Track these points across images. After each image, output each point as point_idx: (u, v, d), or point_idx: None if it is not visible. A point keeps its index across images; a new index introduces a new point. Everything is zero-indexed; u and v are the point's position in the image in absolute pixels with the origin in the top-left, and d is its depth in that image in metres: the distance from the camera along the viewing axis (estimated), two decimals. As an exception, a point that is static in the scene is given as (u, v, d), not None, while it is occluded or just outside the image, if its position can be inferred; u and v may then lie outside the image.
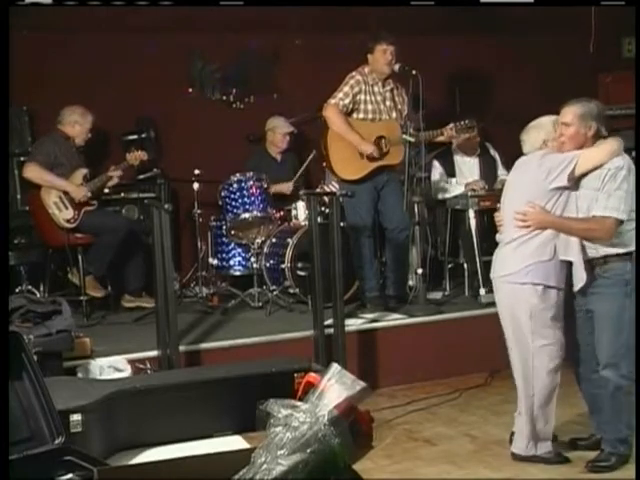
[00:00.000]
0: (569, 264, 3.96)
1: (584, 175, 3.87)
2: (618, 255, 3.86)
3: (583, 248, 3.91)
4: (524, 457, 4.14)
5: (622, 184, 3.79)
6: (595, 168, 3.85)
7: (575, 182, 3.90)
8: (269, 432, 1.93)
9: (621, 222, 3.79)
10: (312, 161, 6.65)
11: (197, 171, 6.34)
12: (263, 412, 2.10)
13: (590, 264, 3.92)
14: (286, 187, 6.67)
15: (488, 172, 6.57)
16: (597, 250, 3.88)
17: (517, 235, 4.03)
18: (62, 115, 5.97)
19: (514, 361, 4.16)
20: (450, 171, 6.59)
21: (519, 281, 4.01)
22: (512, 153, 7.30)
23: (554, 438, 4.22)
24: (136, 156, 6.02)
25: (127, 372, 4.59)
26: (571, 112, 3.91)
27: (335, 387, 2.06)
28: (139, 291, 6.10)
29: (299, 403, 2.03)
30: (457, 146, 6.56)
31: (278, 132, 6.84)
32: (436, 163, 6.61)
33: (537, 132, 4.12)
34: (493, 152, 6.74)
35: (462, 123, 6.04)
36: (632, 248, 3.86)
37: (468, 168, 6.60)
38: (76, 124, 5.97)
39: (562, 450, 4.17)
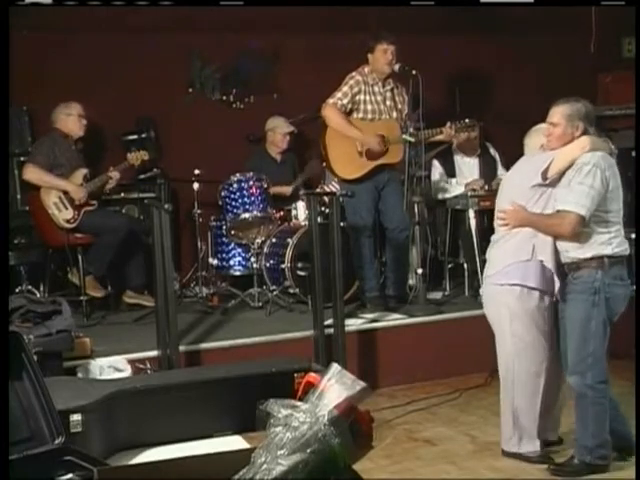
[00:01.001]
0: None
1: (563, 173, 3.87)
2: (588, 260, 3.82)
3: (556, 250, 3.92)
4: (508, 453, 4.16)
5: (586, 179, 3.75)
6: (570, 166, 3.84)
7: (556, 180, 3.90)
8: (269, 432, 1.93)
9: (583, 219, 3.74)
10: (316, 167, 6.64)
11: (197, 171, 6.34)
12: (263, 412, 2.10)
13: (564, 269, 3.92)
14: (286, 190, 6.68)
15: (488, 172, 6.57)
16: (568, 253, 3.87)
17: (501, 234, 4.07)
18: (52, 116, 5.99)
19: (498, 361, 4.18)
20: (450, 171, 6.59)
21: (498, 282, 4.05)
22: (512, 153, 7.32)
23: (560, 441, 4.21)
24: (137, 156, 6.03)
25: (127, 372, 4.59)
26: (558, 112, 3.92)
27: (335, 387, 2.06)
28: (141, 288, 6.10)
29: (299, 403, 2.03)
30: (457, 146, 6.56)
31: (278, 132, 6.83)
32: (436, 163, 6.61)
33: (537, 137, 4.15)
34: (493, 152, 6.74)
35: (461, 122, 6.05)
36: (603, 252, 3.81)
37: (468, 168, 6.60)
38: (64, 116, 5.96)
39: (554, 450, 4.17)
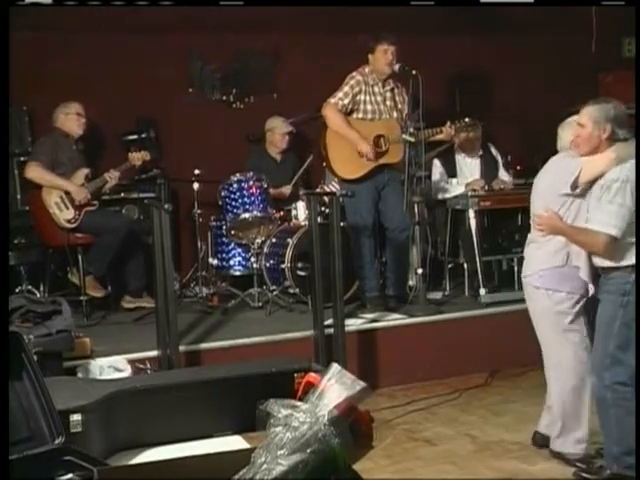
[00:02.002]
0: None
1: (593, 183, 3.82)
2: (622, 267, 3.77)
3: (590, 256, 3.90)
4: (554, 453, 4.13)
5: (615, 197, 3.69)
6: (599, 177, 3.78)
7: (586, 189, 3.86)
8: (269, 432, 1.93)
9: (615, 238, 3.68)
10: (312, 162, 6.67)
11: (197, 171, 6.34)
12: (263, 412, 2.09)
13: (597, 271, 3.90)
14: (285, 190, 6.67)
15: (489, 173, 6.56)
16: (601, 261, 3.83)
17: (536, 237, 4.08)
18: (53, 116, 5.99)
19: (544, 356, 4.16)
20: (451, 171, 6.58)
21: (534, 284, 4.06)
22: (511, 153, 7.34)
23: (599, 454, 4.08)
24: (139, 156, 6.03)
25: (127, 372, 4.59)
26: (586, 113, 3.84)
27: (335, 387, 2.05)
28: (139, 291, 6.10)
29: (299, 403, 2.02)
30: (459, 146, 6.55)
31: (277, 132, 6.83)
32: (437, 162, 6.60)
33: (570, 129, 4.06)
34: (495, 152, 6.74)
35: (461, 122, 6.05)
36: (633, 261, 3.74)
37: (469, 169, 6.59)
38: (63, 116, 5.97)
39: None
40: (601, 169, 3.78)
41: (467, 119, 6.08)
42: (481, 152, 6.65)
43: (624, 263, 3.77)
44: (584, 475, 3.94)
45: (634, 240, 3.74)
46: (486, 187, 6.32)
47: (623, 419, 3.76)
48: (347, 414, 1.91)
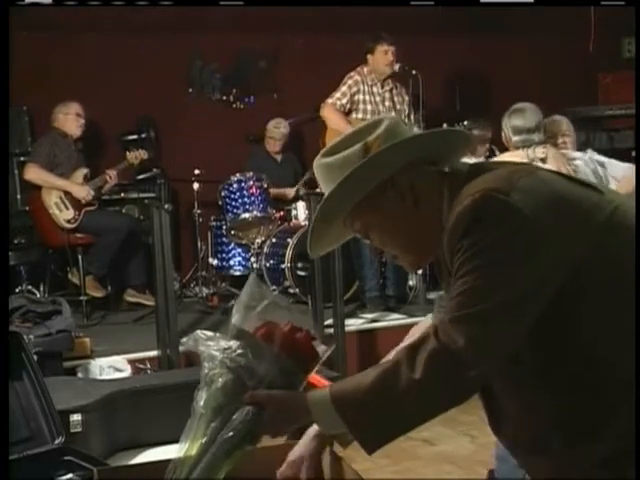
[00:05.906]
0: None
1: None
2: None
3: None
4: None
5: None
6: None
7: None
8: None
9: None
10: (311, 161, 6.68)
11: (197, 171, 6.34)
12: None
13: None
14: (288, 192, 6.65)
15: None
16: None
17: None
18: (52, 116, 6.00)
19: None
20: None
21: None
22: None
23: None
24: (136, 155, 6.03)
25: (127, 372, 4.59)
26: None
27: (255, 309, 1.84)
28: (142, 287, 6.10)
29: (217, 334, 1.84)
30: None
31: (268, 135, 6.83)
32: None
33: None
34: (499, 155, 6.72)
35: (459, 125, 6.03)
36: None
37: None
38: (62, 116, 5.96)
39: None
40: None
41: (466, 122, 6.05)
42: (488, 154, 6.62)
43: None
44: None
45: None
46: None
47: None
48: (268, 337, 1.73)
